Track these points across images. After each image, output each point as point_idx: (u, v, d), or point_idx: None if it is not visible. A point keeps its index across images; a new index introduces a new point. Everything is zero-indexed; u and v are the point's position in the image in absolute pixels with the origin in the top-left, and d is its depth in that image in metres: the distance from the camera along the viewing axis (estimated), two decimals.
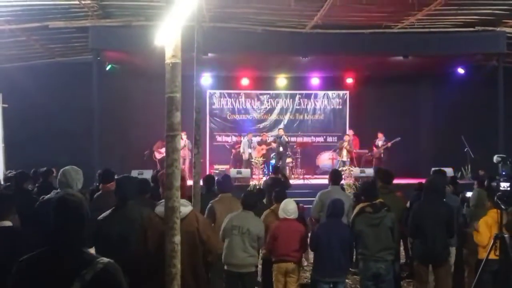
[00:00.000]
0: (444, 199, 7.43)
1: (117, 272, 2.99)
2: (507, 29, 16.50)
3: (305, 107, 22.15)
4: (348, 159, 19.14)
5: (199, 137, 8.00)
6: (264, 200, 9.38)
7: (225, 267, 6.88)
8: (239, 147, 19.56)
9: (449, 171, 14.76)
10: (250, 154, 19.12)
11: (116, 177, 6.36)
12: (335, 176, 8.67)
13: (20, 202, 6.04)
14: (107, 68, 17.88)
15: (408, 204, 8.34)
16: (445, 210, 7.10)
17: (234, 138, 20.35)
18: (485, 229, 7.07)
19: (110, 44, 16.10)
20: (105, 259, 2.97)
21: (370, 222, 6.85)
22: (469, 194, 8.43)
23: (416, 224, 7.06)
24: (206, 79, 20.12)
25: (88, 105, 16.00)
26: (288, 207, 7.24)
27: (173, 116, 3.56)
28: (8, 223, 4.43)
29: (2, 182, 9.48)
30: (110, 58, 17.54)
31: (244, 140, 19.51)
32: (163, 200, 4.45)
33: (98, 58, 16.49)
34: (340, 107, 22.23)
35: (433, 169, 10.93)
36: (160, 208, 4.45)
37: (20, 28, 15.30)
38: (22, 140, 17.03)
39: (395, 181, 9.04)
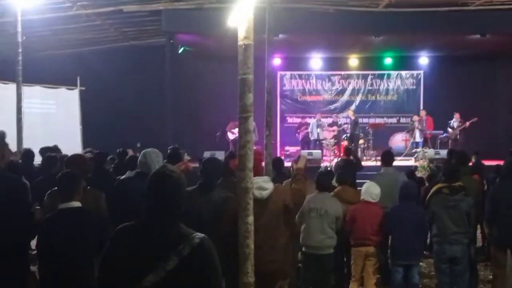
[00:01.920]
0: None
1: (212, 248, 3.01)
2: None
3: (377, 87, 21.80)
4: (422, 140, 18.76)
5: (270, 119, 8.02)
6: (334, 182, 9.33)
7: (303, 249, 6.87)
8: (305, 129, 19.43)
9: None
10: (318, 134, 18.95)
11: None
12: (387, 157, 8.50)
13: (100, 182, 6.24)
14: (180, 51, 18.11)
15: (485, 187, 8.09)
16: None
17: (307, 120, 20.21)
18: None
19: (183, 27, 16.30)
20: (201, 234, 3.00)
21: (446, 204, 6.68)
22: None
23: (493, 207, 6.84)
24: (277, 61, 20.08)
25: (161, 87, 16.30)
26: (372, 190, 7.11)
27: (245, 97, 3.57)
28: (76, 204, 4.51)
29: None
30: (182, 41, 17.75)
31: (313, 121, 19.38)
32: (255, 180, 4.53)
33: (171, 41, 16.74)
34: (414, 87, 21.76)
35: (510, 149, 10.57)
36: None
37: (96, 13, 15.69)
38: (98, 122, 17.52)
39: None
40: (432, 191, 6.97)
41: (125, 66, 18.35)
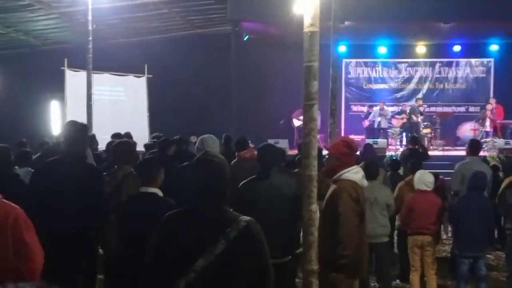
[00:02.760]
0: None
1: (259, 231, 3.05)
2: None
3: (445, 75, 21.28)
4: (492, 130, 18.26)
5: (335, 107, 7.97)
6: (401, 171, 9.21)
7: None
8: (372, 117, 19.19)
9: None
10: (379, 123, 18.68)
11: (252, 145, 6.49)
12: (474, 146, 8.30)
13: (164, 168, 6.35)
14: (245, 39, 18.18)
15: None
16: None
17: (373, 108, 19.96)
18: None
19: (248, 15, 16.36)
20: (247, 218, 3.03)
21: None
22: None
23: None
24: (342, 48, 19.87)
25: (226, 75, 16.43)
26: (426, 178, 7.02)
27: (310, 85, 3.56)
28: (153, 189, 4.59)
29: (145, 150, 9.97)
30: (247, 29, 17.82)
31: (376, 109, 19.12)
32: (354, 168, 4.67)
33: (236, 29, 16.82)
34: (484, 75, 21.13)
35: None
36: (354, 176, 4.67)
37: (163, 1, 15.92)
38: (164, 109, 17.82)
39: None
40: (506, 183, 6.79)
41: (191, 54, 18.56)
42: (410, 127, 18.15)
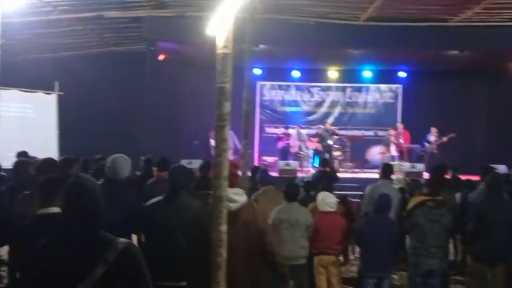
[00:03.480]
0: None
1: (138, 253, 3.01)
2: None
3: (356, 100, 21.95)
4: (398, 154, 18.92)
5: (248, 128, 8.03)
6: (313, 193, 9.37)
7: None
8: (286, 139, 19.48)
9: (502, 168, 14.45)
10: (299, 147, 19.06)
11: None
12: (386, 170, 8.58)
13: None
14: (160, 58, 18.05)
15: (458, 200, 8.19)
16: (510, 208, 6.90)
17: (289, 130, 20.25)
18: None
19: (163, 34, 16.32)
20: (125, 240, 2.98)
21: (430, 217, 6.73)
22: None
23: (479, 222, 6.88)
24: (257, 71, 20.13)
25: (141, 94, 16.25)
26: (329, 200, 7.23)
27: (222, 106, 3.58)
28: (55, 209, 4.43)
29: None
30: (163, 48, 17.72)
31: (293, 132, 19.45)
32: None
33: (151, 48, 16.71)
34: (392, 101, 21.93)
35: (485, 165, 10.68)
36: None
37: (76, 18, 15.62)
38: (76, 127, 17.38)
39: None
40: (415, 203, 7.02)
41: (105, 72, 18.23)
42: (322, 150, 18.51)
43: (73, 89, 17.30)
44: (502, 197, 7.04)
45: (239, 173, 4.73)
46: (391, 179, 8.83)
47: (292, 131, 19.60)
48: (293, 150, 19.14)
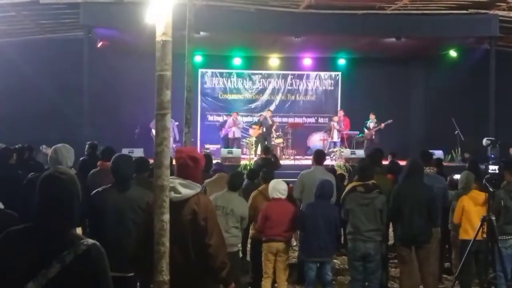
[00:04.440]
0: (424, 181, 7.44)
1: (100, 255, 2.89)
2: (500, 12, 16.49)
3: (297, 87, 22.13)
4: (339, 140, 19.20)
5: (190, 116, 8.00)
6: (256, 181, 9.41)
7: None
8: (230, 127, 19.48)
9: (438, 153, 14.89)
10: (234, 133, 19.03)
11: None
12: (318, 156, 8.68)
13: (5, 178, 6.02)
14: (98, 45, 17.72)
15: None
16: (425, 192, 7.13)
17: (225, 118, 20.25)
18: (458, 207, 7.22)
19: (101, 21, 16.02)
20: (90, 241, 2.87)
21: (361, 202, 6.88)
22: (457, 176, 8.45)
23: (397, 206, 7.09)
24: (198, 58, 20.02)
25: (79, 82, 15.94)
26: (280, 187, 7.26)
27: (163, 94, 3.55)
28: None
29: None
30: (101, 35, 17.41)
31: (230, 119, 19.45)
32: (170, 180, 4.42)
33: (89, 35, 16.39)
34: (332, 88, 22.22)
35: (423, 150, 10.96)
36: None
37: (10, 3, 15.14)
38: (12, 115, 16.95)
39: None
40: (347, 189, 7.17)
41: (42, 60, 17.74)
42: (264, 137, 18.58)
43: (8, 77, 16.83)
44: (418, 182, 7.23)
45: (198, 165, 4.54)
46: (324, 165, 8.92)
47: (234, 119, 19.60)
48: (235, 137, 19.14)
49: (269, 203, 7.25)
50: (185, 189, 4.27)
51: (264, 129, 18.63)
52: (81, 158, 9.62)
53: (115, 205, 4.96)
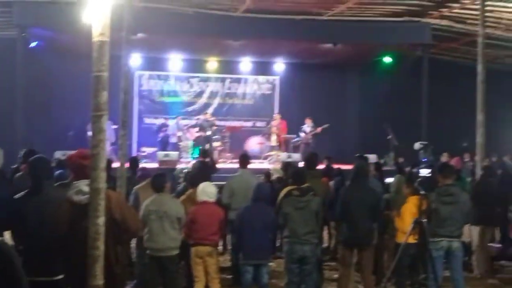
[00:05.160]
0: (369, 184, 7.64)
1: (9, 252, 2.87)
2: (432, 20, 16.98)
3: (235, 91, 22.14)
4: (277, 144, 19.36)
5: (126, 119, 7.93)
6: None
7: (147, 252, 6.88)
8: (166, 130, 19.36)
9: (373, 157, 15.21)
10: (179, 137, 19.00)
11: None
12: (243, 159, 8.75)
13: None
14: (32, 45, 17.26)
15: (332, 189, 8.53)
16: (371, 195, 7.32)
17: (163, 121, 20.08)
18: (409, 216, 7.30)
19: (36, 21, 15.61)
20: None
21: (297, 205, 6.96)
22: (389, 180, 8.68)
23: (343, 208, 7.23)
24: (135, 60, 19.76)
25: (13, 83, 15.51)
26: (209, 190, 7.26)
27: (99, 95, 3.52)
28: None
29: None
30: (36, 35, 16.96)
31: (173, 123, 19.35)
32: (75, 184, 4.37)
33: (23, 35, 15.96)
34: (270, 92, 22.33)
35: (358, 155, 11.20)
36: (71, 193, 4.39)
37: None
38: None
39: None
40: (282, 194, 7.24)
41: None
42: (203, 140, 18.50)
43: None
44: (364, 185, 7.43)
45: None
46: (248, 168, 8.99)
47: (171, 122, 19.48)
48: (173, 140, 19.03)
49: (196, 206, 7.22)
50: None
51: (209, 132, 18.53)
52: (13, 166, 9.35)
53: (34, 209, 4.84)
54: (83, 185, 4.19)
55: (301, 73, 21.21)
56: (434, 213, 7.08)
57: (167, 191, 7.15)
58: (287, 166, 9.97)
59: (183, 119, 20.21)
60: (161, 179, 7.18)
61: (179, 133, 19.10)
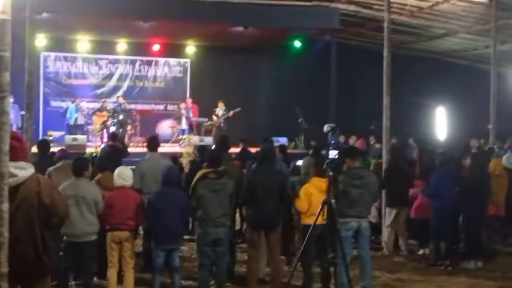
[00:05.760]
0: (276, 167, 7.74)
1: None
2: (340, 5, 17.34)
3: (145, 74, 21.80)
4: (188, 127, 19.27)
5: (32, 101, 7.65)
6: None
7: (64, 238, 6.69)
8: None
9: (283, 140, 15.47)
10: (76, 119, 18.43)
11: None
12: (152, 143, 8.70)
13: None
14: None
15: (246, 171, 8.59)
16: (278, 177, 7.43)
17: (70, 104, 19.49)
18: (304, 196, 7.42)
19: None
20: None
21: (212, 188, 6.95)
22: (299, 162, 8.82)
23: (250, 191, 7.29)
24: (40, 41, 19.00)
25: None
26: (126, 173, 7.14)
27: (1, 76, 3.37)
28: None
29: None
30: None
31: (72, 105, 18.80)
32: None
33: None
34: (181, 75, 22.16)
35: (264, 137, 11.33)
36: None
37: None
38: None
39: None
40: (198, 176, 7.21)
41: None
42: (113, 124, 18.10)
43: None
44: (271, 167, 7.54)
45: (23, 144, 4.42)
46: (158, 152, 8.94)
47: (71, 105, 18.88)
48: (70, 123, 18.45)
49: (113, 191, 7.10)
50: (21, 171, 4.16)
51: (122, 116, 18.12)
52: None
53: None
54: (12, 167, 4.05)
55: (213, 56, 21.15)
56: (344, 195, 7.27)
57: (87, 176, 6.97)
58: (203, 149, 9.93)
59: (90, 102, 19.73)
60: (82, 164, 6.99)
61: (80, 116, 18.53)
